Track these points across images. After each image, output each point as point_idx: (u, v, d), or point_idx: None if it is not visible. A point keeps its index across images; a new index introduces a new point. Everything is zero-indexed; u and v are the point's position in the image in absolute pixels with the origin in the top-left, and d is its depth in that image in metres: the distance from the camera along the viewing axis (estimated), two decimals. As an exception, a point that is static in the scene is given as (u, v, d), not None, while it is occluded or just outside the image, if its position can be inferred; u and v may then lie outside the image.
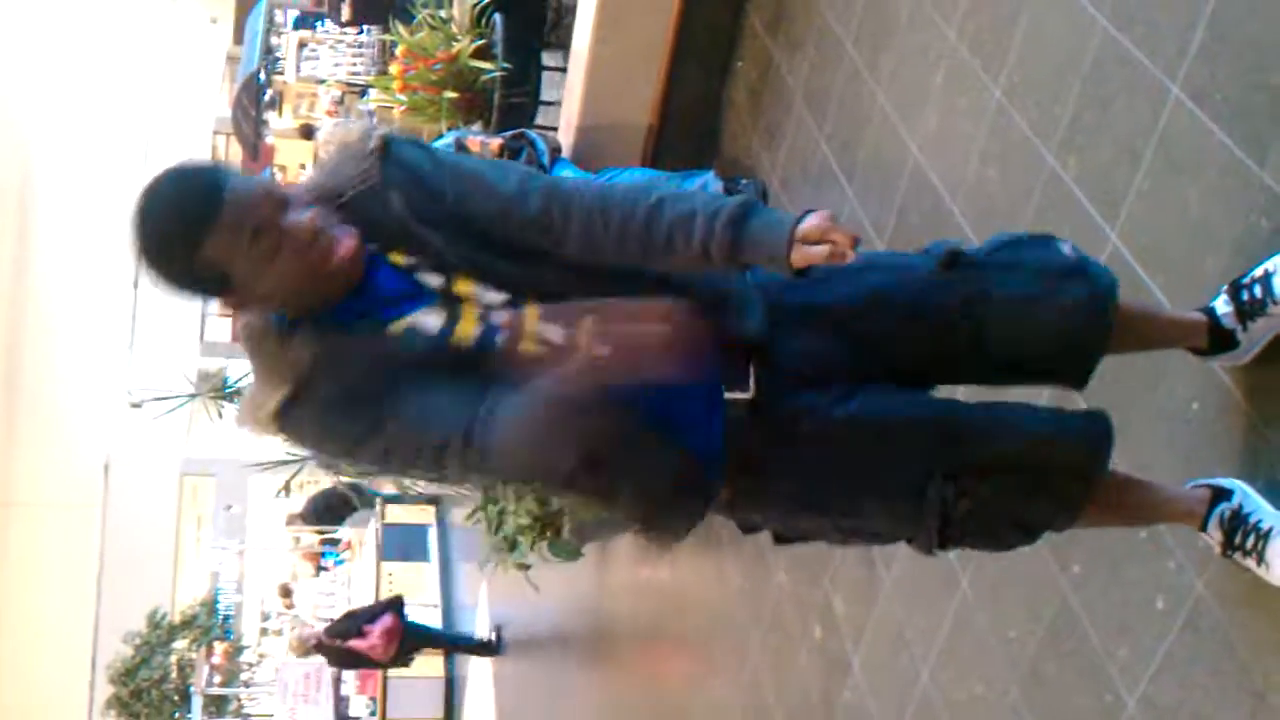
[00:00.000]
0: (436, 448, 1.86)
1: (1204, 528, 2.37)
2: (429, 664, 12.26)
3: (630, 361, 1.68)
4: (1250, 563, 2.30)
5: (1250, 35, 2.55)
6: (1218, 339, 2.41)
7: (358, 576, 14.23)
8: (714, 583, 5.61)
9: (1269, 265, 2.36)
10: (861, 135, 4.31)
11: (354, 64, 12.40)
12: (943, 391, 2.30)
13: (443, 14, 6.50)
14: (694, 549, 5.92)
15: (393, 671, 12.11)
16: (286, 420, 1.90)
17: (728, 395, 2.02)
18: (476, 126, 6.11)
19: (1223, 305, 2.41)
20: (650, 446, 1.95)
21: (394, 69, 6.43)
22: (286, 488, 9.33)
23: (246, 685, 16.96)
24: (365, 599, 12.68)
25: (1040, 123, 3.27)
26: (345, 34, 12.46)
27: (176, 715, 17.24)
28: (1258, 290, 2.36)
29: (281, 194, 1.87)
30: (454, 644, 11.39)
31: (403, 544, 13.30)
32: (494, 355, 1.90)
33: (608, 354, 1.68)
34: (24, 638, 18.43)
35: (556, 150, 5.63)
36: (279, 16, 13.94)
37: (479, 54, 6.09)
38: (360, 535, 14.75)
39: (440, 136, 5.78)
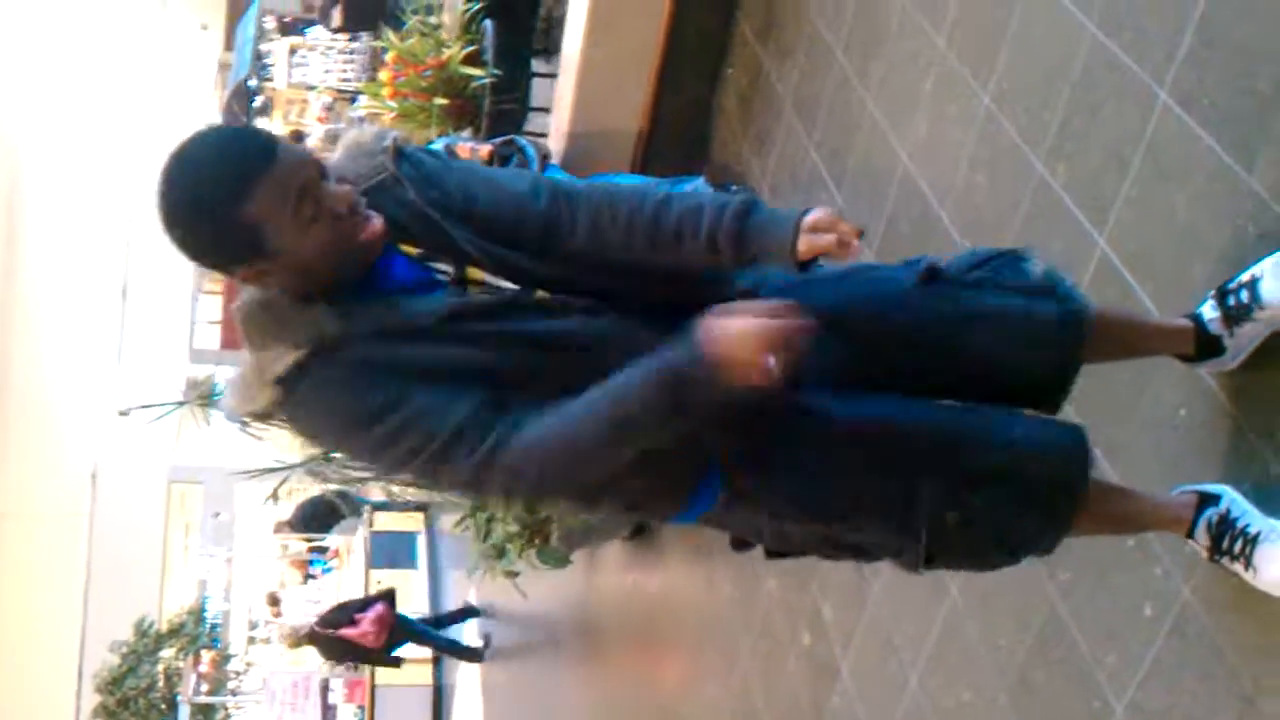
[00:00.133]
0: (446, 443, 1.81)
1: (1191, 533, 2.37)
2: (417, 672, 12.24)
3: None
4: (1238, 567, 2.30)
5: (1238, 41, 2.56)
6: (1204, 345, 2.42)
7: (346, 584, 14.19)
8: (703, 589, 5.60)
9: (1255, 271, 2.36)
10: (851, 142, 4.31)
11: (344, 70, 12.41)
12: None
13: (433, 20, 6.50)
14: (684, 556, 5.92)
15: (381, 680, 12.10)
16: (291, 390, 1.85)
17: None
18: (466, 133, 6.11)
19: (1209, 311, 2.42)
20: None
21: (384, 75, 6.43)
22: (274, 495, 9.32)
23: (234, 694, 16.91)
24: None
25: (1029, 129, 3.28)
26: (336, 40, 12.47)
27: (163, 723, 17.19)
28: (1244, 296, 2.36)
29: (323, 163, 1.87)
30: (441, 643, 11.39)
31: (391, 551, 13.28)
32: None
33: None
34: (10, 646, 18.35)
35: (546, 157, 5.63)
36: (270, 23, 13.94)
37: (469, 60, 6.09)
38: (348, 543, 14.73)
39: (430, 143, 5.78)
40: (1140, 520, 2.47)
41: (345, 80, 12.26)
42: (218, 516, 20.45)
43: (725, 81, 5.49)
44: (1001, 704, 3.19)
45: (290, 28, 13.33)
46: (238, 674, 17.04)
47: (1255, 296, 2.34)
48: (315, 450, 2.10)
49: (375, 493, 11.60)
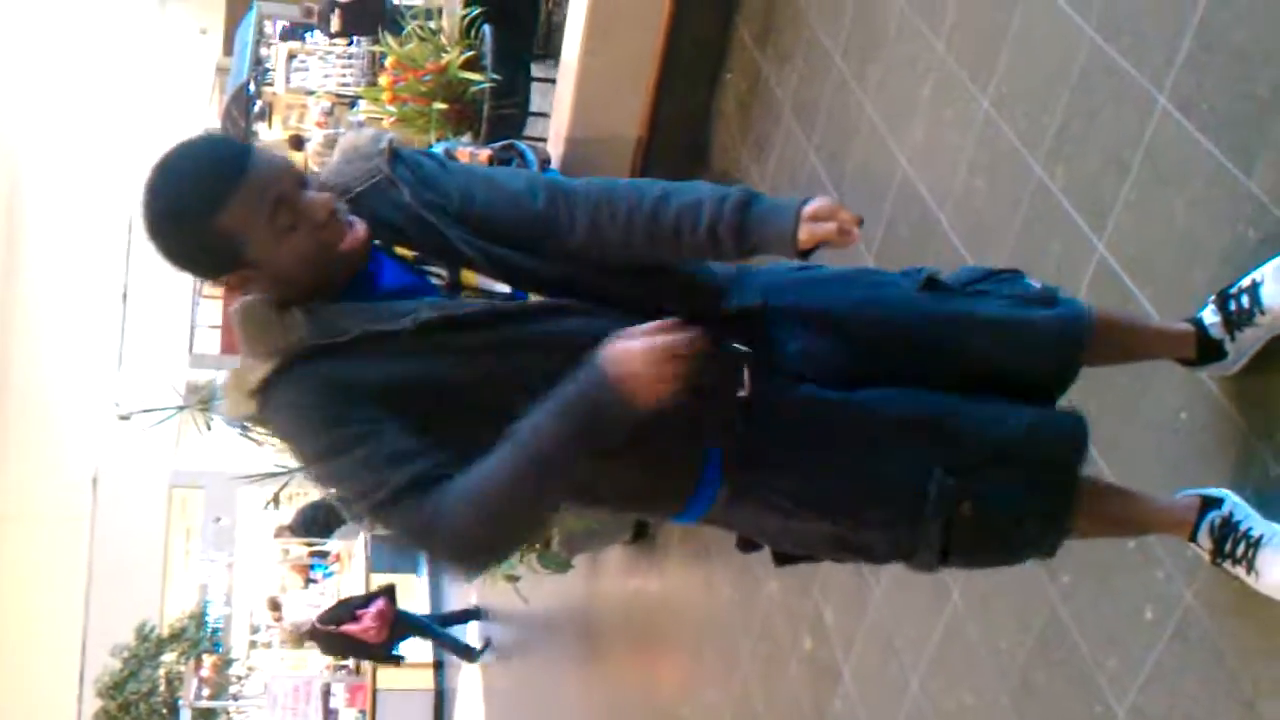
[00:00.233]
0: (380, 501, 1.80)
1: (1194, 537, 2.37)
2: (419, 676, 12.23)
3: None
4: (1240, 571, 2.30)
5: (1237, 45, 2.56)
6: (1206, 349, 2.42)
7: (347, 589, 14.18)
8: (704, 593, 5.60)
9: (1256, 275, 2.36)
10: (850, 146, 4.31)
11: (343, 75, 12.43)
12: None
13: (432, 25, 6.52)
14: (684, 560, 5.92)
15: (382, 684, 12.09)
16: (267, 397, 1.85)
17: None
18: (466, 138, 6.12)
19: (1210, 315, 2.42)
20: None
21: (383, 80, 6.44)
22: (275, 500, 9.30)
23: (235, 698, 16.88)
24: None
25: (1028, 133, 3.28)
26: (335, 45, 12.48)
27: (165, 728, 17.18)
28: (1245, 300, 2.36)
29: (301, 172, 1.87)
30: (441, 637, 11.41)
31: (392, 556, 13.26)
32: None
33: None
34: (12, 650, 18.34)
35: (546, 162, 5.64)
36: (269, 28, 13.95)
37: (468, 65, 6.10)
38: (349, 547, 14.72)
39: (430, 148, 5.78)
40: (1142, 523, 2.47)
41: (344, 85, 12.27)
42: (219, 521, 20.43)
43: (724, 86, 5.50)
44: (1003, 706, 3.19)
45: (290, 33, 13.34)
46: (239, 679, 17.01)
47: (1256, 301, 2.34)
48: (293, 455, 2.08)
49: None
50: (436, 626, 11.30)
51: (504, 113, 6.12)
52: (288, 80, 13.06)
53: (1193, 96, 2.66)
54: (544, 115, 6.21)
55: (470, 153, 5.57)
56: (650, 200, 1.97)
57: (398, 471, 1.78)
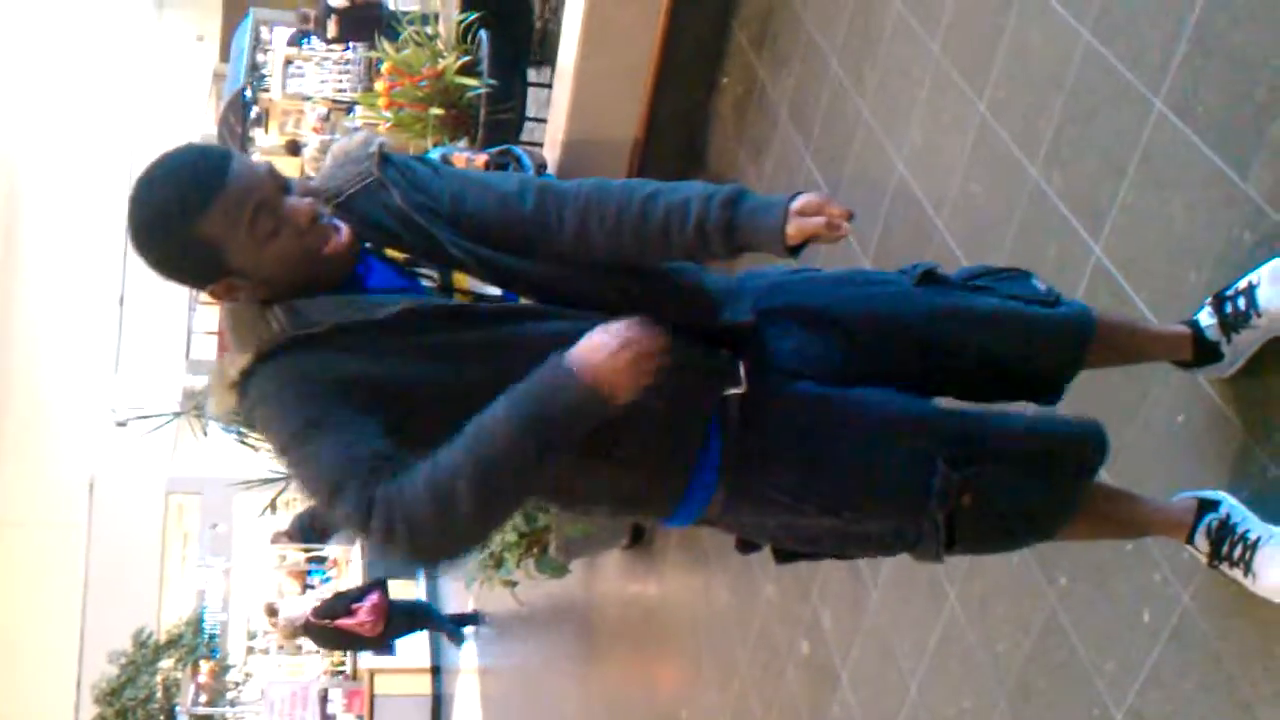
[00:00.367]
0: (330, 491, 1.77)
1: (1191, 539, 2.37)
2: (416, 682, 12.23)
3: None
4: (1237, 573, 2.30)
5: (1233, 49, 2.56)
6: (1202, 352, 2.42)
7: (344, 595, 14.16)
8: (701, 598, 5.60)
9: (1253, 277, 2.36)
10: (846, 150, 4.32)
11: (340, 81, 12.43)
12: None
13: (428, 31, 6.51)
14: (682, 565, 5.92)
15: (379, 690, 12.08)
16: (246, 389, 1.84)
17: (722, 393, 2.01)
18: (462, 143, 6.11)
19: (1206, 318, 2.42)
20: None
21: (380, 85, 6.43)
22: (272, 505, 9.29)
23: (232, 704, 16.86)
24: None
25: (1024, 136, 3.28)
26: (331, 51, 12.48)
27: (162, 735, 17.14)
28: (1241, 302, 2.36)
29: (283, 178, 1.87)
30: (434, 617, 11.44)
31: (386, 581, 13.25)
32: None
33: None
34: (8, 656, 18.31)
35: (542, 166, 5.64)
36: (265, 34, 13.95)
37: (465, 70, 6.10)
38: (346, 553, 14.71)
39: (426, 153, 5.78)
40: (1140, 525, 2.47)
41: (341, 91, 12.28)
42: (215, 527, 20.42)
43: (721, 90, 5.50)
44: (1001, 710, 3.19)
45: (296, 39, 13.35)
46: (236, 684, 17.00)
47: (1253, 303, 2.34)
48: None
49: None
50: (429, 606, 11.35)
51: (500, 118, 6.12)
52: (284, 86, 13.06)
53: (1189, 99, 2.67)
54: (540, 120, 6.22)
55: (467, 158, 5.57)
56: (639, 200, 1.96)
57: (359, 464, 1.75)
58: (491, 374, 1.80)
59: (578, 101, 5.50)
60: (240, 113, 13.74)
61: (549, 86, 6.01)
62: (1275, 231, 2.40)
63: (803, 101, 4.69)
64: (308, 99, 12.75)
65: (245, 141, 14.36)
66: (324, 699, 12.52)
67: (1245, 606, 2.35)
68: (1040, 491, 2.11)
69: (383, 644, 10.80)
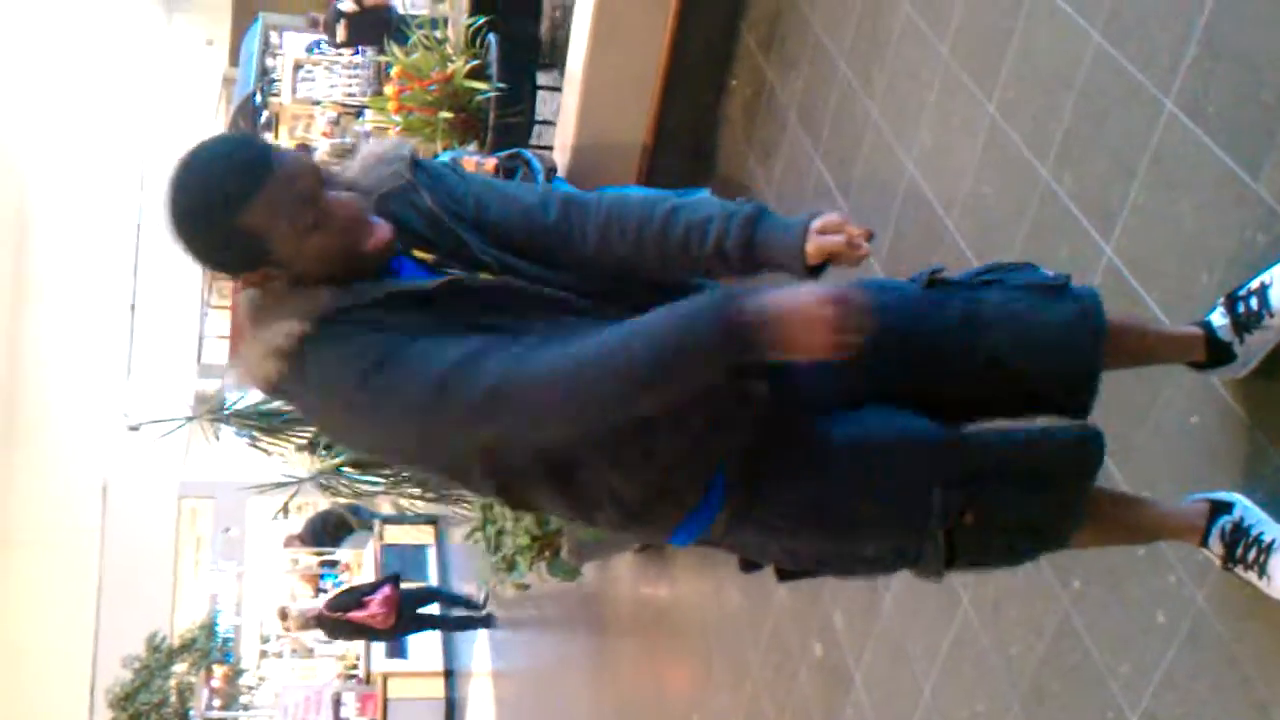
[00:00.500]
0: (444, 380, 1.77)
1: (1204, 542, 2.36)
2: (430, 685, 12.23)
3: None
4: (1252, 576, 2.30)
5: (1243, 49, 2.56)
6: (1215, 352, 2.42)
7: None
8: (713, 600, 5.60)
9: (1265, 278, 2.36)
10: (856, 152, 4.31)
11: (349, 85, 12.44)
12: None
13: (438, 35, 6.52)
14: (694, 567, 5.92)
15: (393, 693, 12.09)
16: (293, 361, 1.83)
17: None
18: (472, 147, 6.12)
19: (1219, 318, 2.42)
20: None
21: (389, 90, 6.44)
22: (285, 509, 9.32)
23: (246, 708, 16.89)
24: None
25: (1035, 138, 3.28)
26: (340, 55, 12.50)
27: (176, 739, 17.18)
28: (1254, 303, 2.36)
29: (325, 171, 1.89)
30: (445, 596, 11.48)
31: (401, 564, 13.27)
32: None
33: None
34: (23, 661, 18.36)
35: (552, 170, 5.64)
36: (274, 38, 13.98)
37: (474, 74, 6.11)
38: (359, 556, 14.72)
39: (436, 157, 5.79)
40: (1153, 528, 2.47)
41: (350, 95, 12.29)
42: (228, 531, 20.46)
43: (729, 93, 5.50)
44: (1015, 713, 3.19)
45: (313, 46, 13.37)
46: (250, 689, 17.04)
47: (1265, 303, 2.34)
48: (315, 425, 2.04)
49: (386, 506, 11.61)
50: (442, 589, 11.40)
51: (509, 121, 6.13)
52: (294, 91, 13.09)
53: (1199, 100, 2.66)
54: (550, 124, 6.22)
55: (476, 162, 5.58)
56: (660, 215, 1.98)
57: (452, 350, 1.78)
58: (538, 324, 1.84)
59: (587, 105, 5.50)
60: (250, 117, 13.76)
61: (558, 90, 6.01)
62: (1287, 232, 2.39)
63: (811, 104, 4.69)
64: (317, 103, 12.76)
65: (255, 146, 14.36)
66: (337, 703, 12.53)
67: (1260, 608, 2.35)
68: (1043, 507, 2.10)
69: (394, 636, 10.86)
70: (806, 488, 2.04)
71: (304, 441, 6.75)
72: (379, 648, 12.31)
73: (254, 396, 6.44)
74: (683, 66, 5.49)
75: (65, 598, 19.22)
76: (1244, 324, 2.38)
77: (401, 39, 6.88)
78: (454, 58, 6.22)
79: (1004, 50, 3.44)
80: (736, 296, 1.72)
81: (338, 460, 6.86)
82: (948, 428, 2.10)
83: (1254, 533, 2.30)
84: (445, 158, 5.68)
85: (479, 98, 6.06)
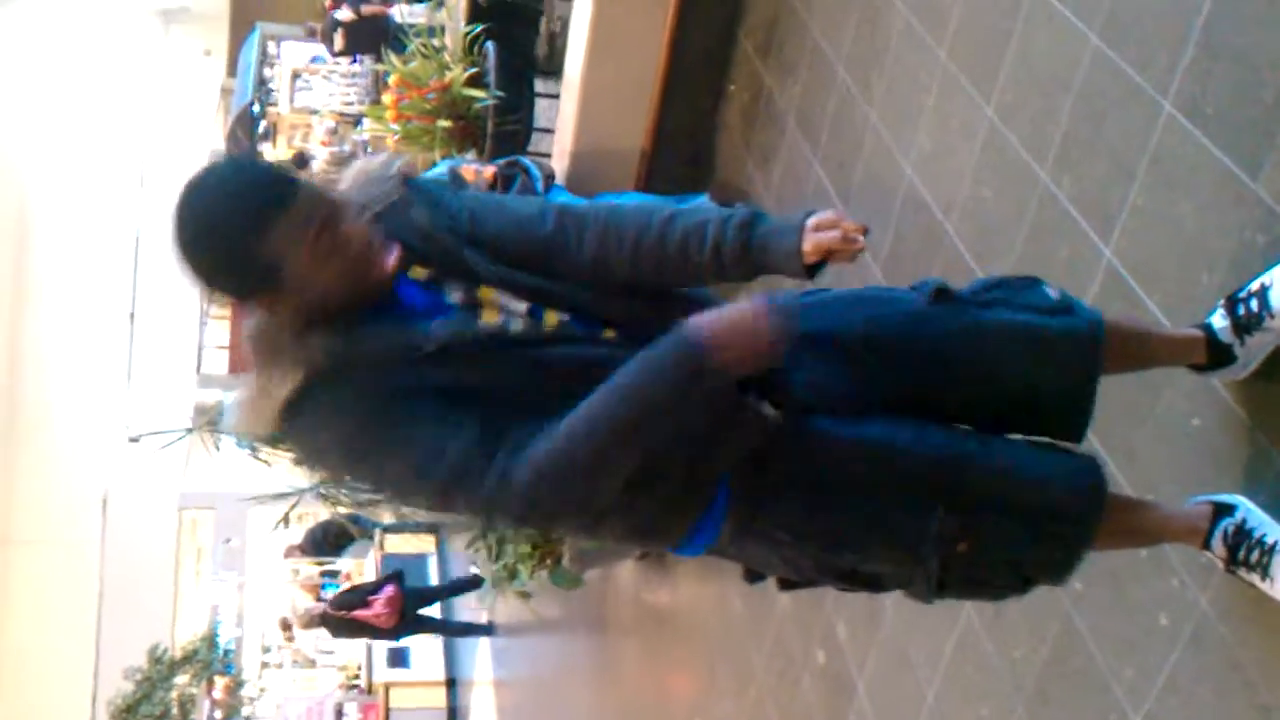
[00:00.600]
0: (450, 481, 1.82)
1: (1207, 545, 2.35)
2: (432, 695, 12.22)
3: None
4: (1255, 578, 2.29)
5: (1241, 49, 2.55)
6: (1216, 354, 2.41)
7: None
8: (716, 607, 5.59)
9: (1265, 279, 2.35)
10: (855, 156, 4.31)
11: (347, 94, 12.46)
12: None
13: (435, 43, 6.52)
14: (696, 575, 5.91)
15: (395, 703, 12.08)
16: (293, 416, 1.85)
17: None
18: (470, 154, 6.12)
19: (1219, 320, 2.41)
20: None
21: (387, 98, 6.44)
22: (285, 520, 9.30)
23: (248, 720, 16.88)
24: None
25: (1033, 141, 3.27)
26: (338, 64, 12.51)
27: (178, 750, 17.15)
28: (1254, 304, 2.35)
29: (340, 197, 1.88)
30: (450, 588, 11.50)
31: (402, 573, 13.26)
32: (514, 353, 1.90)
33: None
34: (24, 673, 18.34)
35: (550, 177, 5.64)
36: (272, 48, 13.99)
37: (472, 82, 6.11)
38: (360, 566, 14.71)
39: (434, 165, 5.79)
40: (1155, 532, 2.46)
41: (348, 104, 12.31)
42: (229, 542, 20.43)
43: (728, 98, 5.50)
44: (1019, 717, 3.18)
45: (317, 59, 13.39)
46: (251, 700, 17.01)
47: (1265, 305, 2.33)
48: (319, 473, 2.10)
49: (386, 516, 11.61)
50: (445, 585, 11.41)
51: (508, 129, 6.13)
52: (292, 100, 13.10)
53: (1198, 102, 2.66)
54: (548, 131, 6.22)
55: (475, 169, 5.57)
56: (657, 223, 1.98)
57: (453, 450, 1.81)
58: (534, 388, 1.86)
59: (585, 112, 5.50)
60: (248, 127, 13.77)
61: (556, 97, 6.01)
62: (1288, 233, 2.39)
63: (810, 109, 4.69)
64: (315, 112, 12.77)
65: (254, 155, 14.39)
66: (339, 713, 12.52)
67: (1264, 611, 2.34)
68: (1037, 548, 2.09)
69: (397, 635, 10.87)
70: (807, 501, 2.04)
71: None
72: (381, 657, 12.30)
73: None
74: (681, 72, 5.49)
75: (66, 610, 19.20)
76: (1244, 326, 2.37)
77: (399, 47, 6.88)
78: (452, 66, 6.21)
79: (1002, 53, 3.43)
80: (684, 331, 1.78)
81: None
82: (955, 447, 2.09)
83: (1256, 535, 2.29)
84: (444, 166, 5.68)
85: (477, 105, 6.06)
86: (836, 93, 4.46)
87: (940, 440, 2.08)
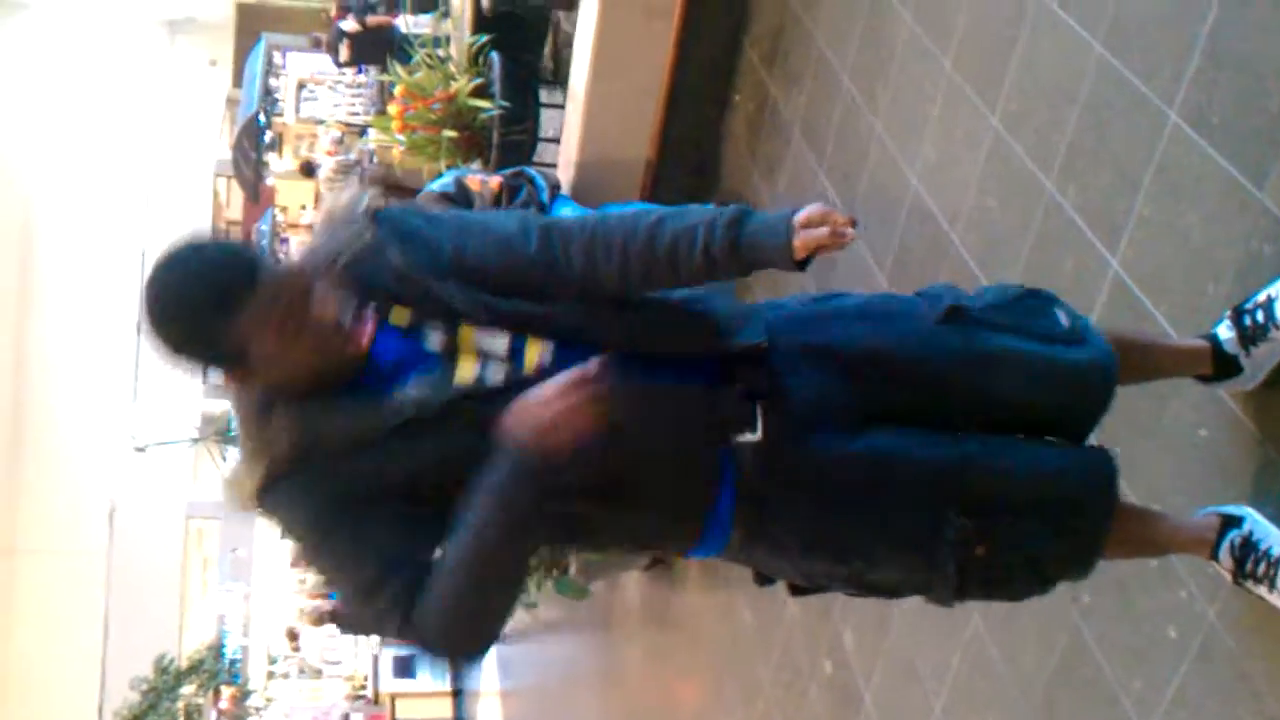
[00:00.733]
0: (360, 600, 1.85)
1: (1215, 556, 2.34)
2: (438, 705, 12.21)
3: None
4: (1262, 590, 2.28)
5: (1246, 59, 2.55)
6: (1222, 365, 2.41)
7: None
8: (723, 618, 5.58)
9: (1271, 291, 2.35)
10: (860, 167, 4.31)
11: (353, 104, 12.48)
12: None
13: (440, 53, 6.53)
14: (703, 585, 5.90)
15: (401, 713, 12.07)
16: (263, 503, 1.88)
17: (737, 439, 1.99)
18: (476, 165, 6.12)
19: (1225, 331, 2.41)
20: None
21: (393, 109, 6.44)
22: (291, 530, 9.32)
23: (254, 729, 16.88)
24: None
25: (1038, 151, 3.27)
26: (344, 74, 12.54)
27: (185, 761, 17.15)
28: (1260, 315, 2.35)
29: (309, 278, 1.84)
30: None
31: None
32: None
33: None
34: (30, 683, 18.36)
35: (556, 187, 5.64)
36: (278, 58, 14.03)
37: (477, 93, 6.11)
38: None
39: (440, 175, 5.79)
40: (1163, 543, 2.45)
41: (354, 114, 12.33)
42: (236, 552, 20.47)
43: (733, 108, 5.50)
44: (1026, 730, 3.17)
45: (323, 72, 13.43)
46: (258, 710, 17.02)
47: (1271, 316, 2.33)
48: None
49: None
50: None
51: (513, 139, 6.13)
52: (297, 110, 13.13)
53: (1203, 111, 2.65)
54: (554, 141, 6.22)
55: (481, 180, 5.57)
56: (645, 229, 1.94)
57: (385, 584, 1.82)
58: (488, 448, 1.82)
59: (590, 122, 5.51)
60: (254, 137, 13.81)
61: (562, 107, 6.02)
62: (1294, 243, 2.38)
63: (815, 118, 4.69)
64: (321, 123, 12.80)
65: (260, 166, 14.42)
66: (346, 722, 12.52)
67: (1270, 622, 2.33)
68: (1056, 544, 2.08)
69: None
70: (818, 509, 2.03)
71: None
72: (387, 667, 12.29)
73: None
74: (686, 82, 5.49)
75: (73, 620, 19.22)
76: (1250, 337, 2.37)
77: (405, 58, 6.89)
78: (457, 76, 6.22)
79: (1007, 63, 3.43)
80: (500, 444, 1.77)
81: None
82: (955, 450, 2.08)
83: (1263, 546, 2.28)
84: (449, 176, 5.68)
85: (483, 116, 6.06)
86: (841, 102, 4.46)
87: (940, 445, 2.07)
